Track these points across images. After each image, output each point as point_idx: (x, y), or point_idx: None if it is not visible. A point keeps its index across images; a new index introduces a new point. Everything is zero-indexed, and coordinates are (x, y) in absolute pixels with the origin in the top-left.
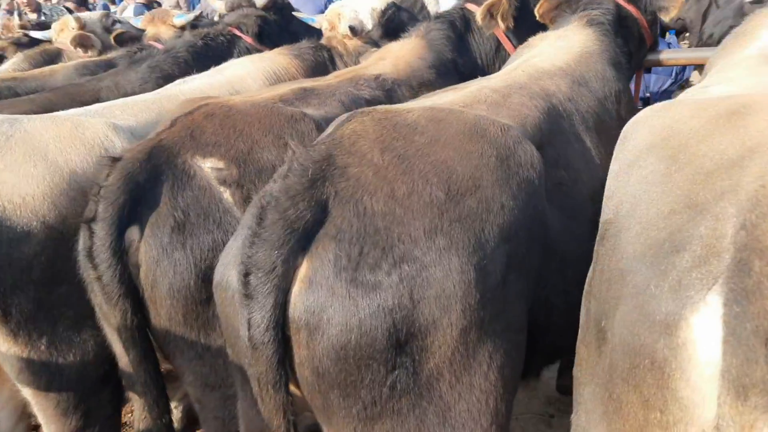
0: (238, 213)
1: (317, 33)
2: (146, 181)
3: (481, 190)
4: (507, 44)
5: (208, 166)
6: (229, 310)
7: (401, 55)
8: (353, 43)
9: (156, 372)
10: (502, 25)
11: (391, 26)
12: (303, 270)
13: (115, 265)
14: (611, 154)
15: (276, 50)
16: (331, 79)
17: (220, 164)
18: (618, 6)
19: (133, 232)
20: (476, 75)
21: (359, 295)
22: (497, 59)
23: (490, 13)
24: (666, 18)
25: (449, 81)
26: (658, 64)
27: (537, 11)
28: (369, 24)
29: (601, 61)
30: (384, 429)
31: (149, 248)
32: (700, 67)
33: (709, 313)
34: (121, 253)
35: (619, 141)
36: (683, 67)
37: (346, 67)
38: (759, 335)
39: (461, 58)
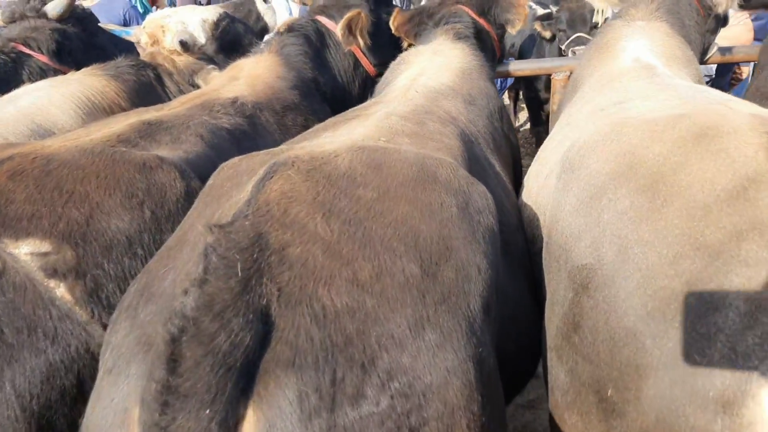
0: (82, 315)
1: (130, 48)
2: None
3: (454, 253)
4: (364, 61)
5: (25, 252)
6: None
7: (257, 74)
8: (184, 59)
9: None
10: (361, 41)
11: (227, 39)
12: (251, 427)
13: None
14: (509, 174)
15: (84, 70)
16: (177, 106)
17: (45, 246)
18: (474, 20)
19: None
20: (337, 95)
21: None
22: (356, 77)
23: (350, 29)
24: (512, 30)
25: (313, 102)
26: (508, 75)
27: (392, 23)
28: (201, 37)
29: (481, 77)
30: None
31: None
32: None
33: None
34: None
35: (562, 170)
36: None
37: (178, 87)
38: None
39: (322, 76)
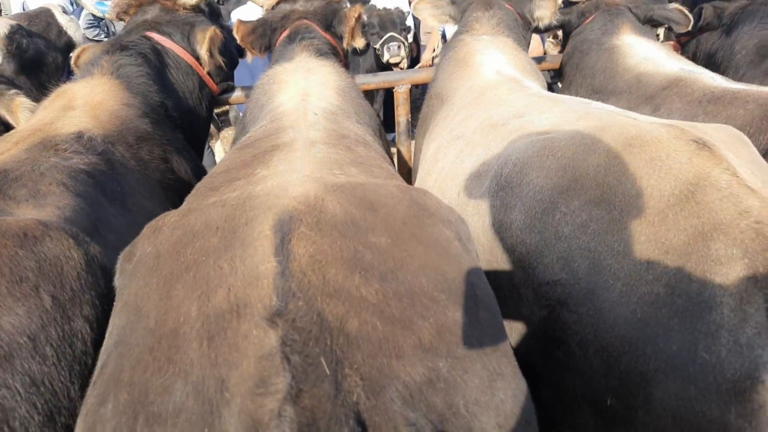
0: None
1: None
2: None
3: (476, 289)
4: (208, 80)
5: None
6: None
7: (98, 101)
8: None
9: None
10: (220, 60)
11: (26, 57)
12: None
13: None
14: None
15: None
16: (10, 148)
17: None
18: (323, 35)
19: None
20: (185, 119)
21: None
22: (203, 98)
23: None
24: (355, 44)
25: (166, 130)
26: (239, 101)
27: (236, 33)
28: None
29: (358, 95)
30: None
31: None
32: None
33: None
34: None
35: (497, 188)
36: None
37: None
38: None
39: (168, 100)
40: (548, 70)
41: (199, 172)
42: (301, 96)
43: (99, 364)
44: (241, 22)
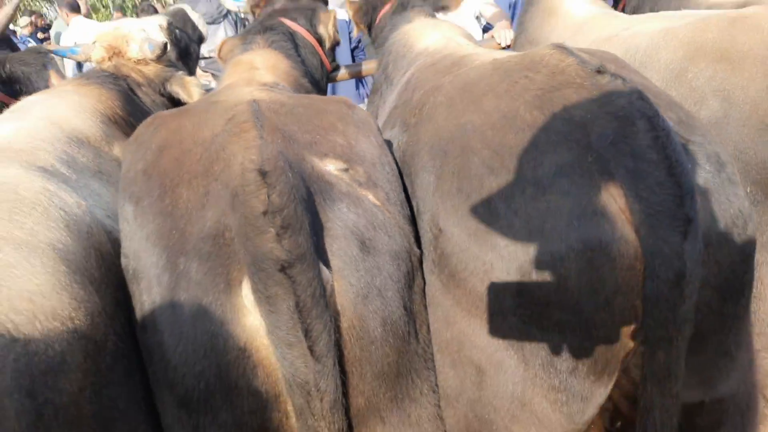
0: None
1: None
2: None
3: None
4: (325, 60)
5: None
6: None
7: (272, 64)
8: (152, 68)
9: None
10: (338, 37)
11: (181, 47)
12: None
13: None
14: None
15: (70, 81)
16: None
17: None
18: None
19: None
20: (316, 90)
21: None
22: (323, 74)
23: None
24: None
25: (317, 91)
26: (344, 77)
27: (348, 11)
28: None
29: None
30: None
31: None
32: None
33: None
34: None
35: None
36: None
37: (149, 98)
38: None
39: (308, 70)
40: None
41: None
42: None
43: None
44: (350, 1)
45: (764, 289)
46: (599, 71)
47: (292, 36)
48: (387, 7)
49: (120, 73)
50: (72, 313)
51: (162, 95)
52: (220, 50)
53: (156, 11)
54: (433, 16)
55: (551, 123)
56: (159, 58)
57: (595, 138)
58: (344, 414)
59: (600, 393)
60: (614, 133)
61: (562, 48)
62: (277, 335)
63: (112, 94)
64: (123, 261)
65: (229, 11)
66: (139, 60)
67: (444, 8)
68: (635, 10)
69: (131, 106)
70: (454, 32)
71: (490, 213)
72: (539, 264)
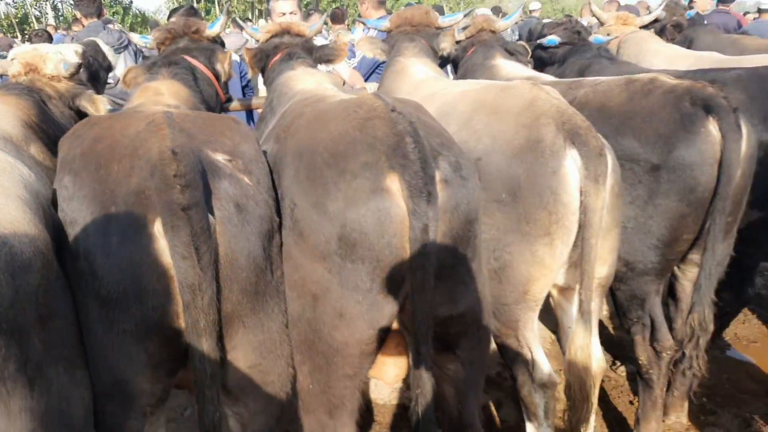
0: None
1: None
2: None
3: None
4: (220, 91)
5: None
6: None
7: (175, 90)
8: (64, 84)
9: None
10: (232, 74)
11: (92, 71)
12: None
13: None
14: None
15: None
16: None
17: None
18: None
19: None
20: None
21: None
22: (218, 103)
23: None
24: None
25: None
26: (236, 108)
27: (245, 56)
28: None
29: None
30: None
31: None
32: None
33: None
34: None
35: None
36: None
37: (59, 110)
38: None
39: (205, 97)
40: None
41: None
42: (316, 83)
43: None
44: (247, 49)
45: (512, 258)
46: (393, 110)
47: (192, 70)
48: (278, 57)
49: (34, 87)
50: (34, 236)
51: (71, 108)
52: (125, 76)
53: (50, 36)
54: (314, 66)
55: (364, 138)
56: (72, 77)
57: (386, 147)
58: (217, 311)
59: (390, 305)
60: (394, 144)
61: (377, 95)
62: (176, 252)
63: (28, 104)
64: (60, 214)
65: (130, 42)
66: (53, 76)
67: (329, 61)
68: (462, 77)
69: (43, 115)
70: (324, 79)
71: (325, 192)
72: (351, 223)
